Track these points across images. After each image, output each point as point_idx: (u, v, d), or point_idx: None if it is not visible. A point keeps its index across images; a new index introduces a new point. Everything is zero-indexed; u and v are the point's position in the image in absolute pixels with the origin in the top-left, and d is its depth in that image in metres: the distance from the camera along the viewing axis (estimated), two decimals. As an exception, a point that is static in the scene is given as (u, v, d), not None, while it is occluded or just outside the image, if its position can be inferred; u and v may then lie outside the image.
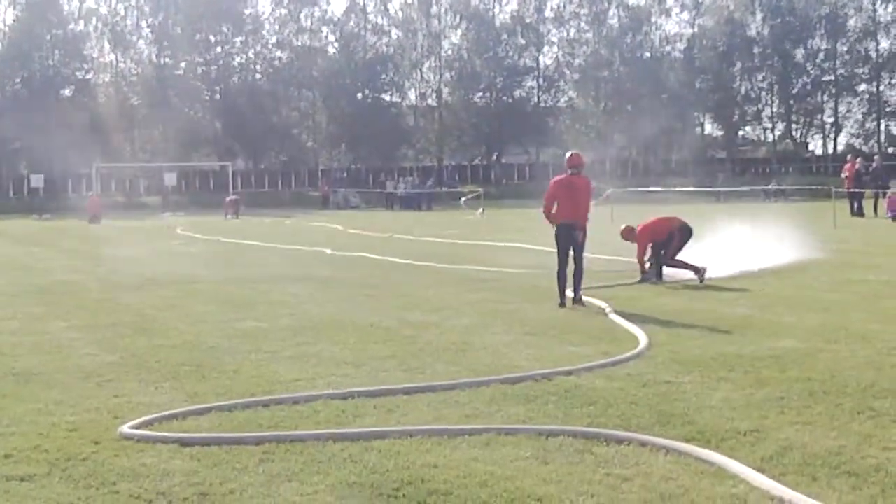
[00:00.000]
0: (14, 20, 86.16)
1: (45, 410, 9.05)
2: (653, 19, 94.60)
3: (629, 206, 39.37)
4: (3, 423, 8.58)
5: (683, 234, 19.38)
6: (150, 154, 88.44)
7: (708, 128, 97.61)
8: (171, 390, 9.92)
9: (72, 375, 10.76)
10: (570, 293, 16.09)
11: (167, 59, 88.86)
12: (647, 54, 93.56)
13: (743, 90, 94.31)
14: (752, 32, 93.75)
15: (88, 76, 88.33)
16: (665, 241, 19.31)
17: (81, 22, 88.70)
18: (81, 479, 6.98)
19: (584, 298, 16.12)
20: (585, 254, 16.72)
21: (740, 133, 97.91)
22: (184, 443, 7.76)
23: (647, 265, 19.37)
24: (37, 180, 77.27)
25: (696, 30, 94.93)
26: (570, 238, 16.30)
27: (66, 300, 17.98)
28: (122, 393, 9.79)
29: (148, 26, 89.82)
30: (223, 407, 9.02)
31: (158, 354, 11.94)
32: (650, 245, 19.43)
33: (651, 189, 52.85)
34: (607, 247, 23.21)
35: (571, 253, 16.36)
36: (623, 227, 20.10)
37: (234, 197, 62.05)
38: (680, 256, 19.29)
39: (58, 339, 13.33)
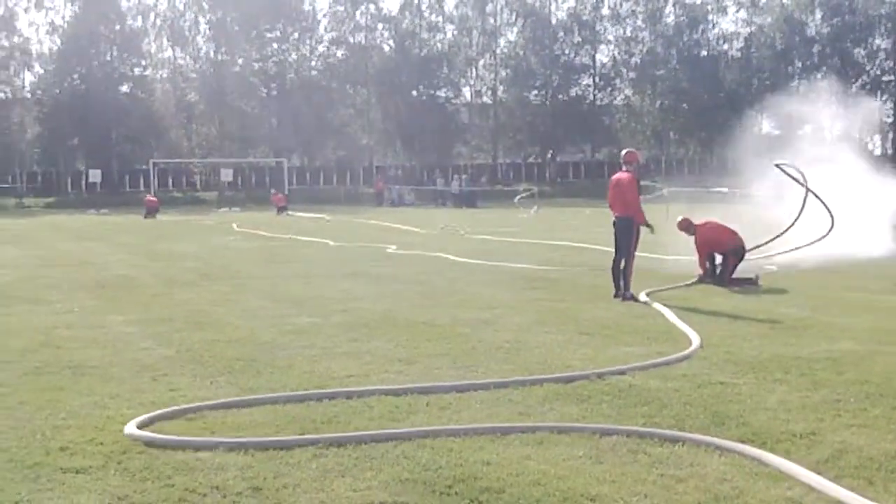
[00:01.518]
0: (72, 17, 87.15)
1: (101, 404, 9.13)
2: (709, 17, 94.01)
3: (686, 206, 39.12)
4: (60, 415, 8.67)
5: (737, 256, 19.10)
6: (207, 150, 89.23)
7: (766, 127, 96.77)
8: (226, 385, 9.97)
9: (127, 369, 10.86)
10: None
11: (224, 56, 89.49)
12: (704, 52, 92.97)
13: (801, 89, 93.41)
14: (811, 31, 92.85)
15: (146, 72, 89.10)
16: (723, 256, 19.11)
17: (139, 18, 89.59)
18: (137, 472, 7.03)
19: (642, 298, 16.15)
20: (644, 254, 16.76)
21: (798, 133, 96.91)
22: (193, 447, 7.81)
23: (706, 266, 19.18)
24: (94, 175, 78.16)
25: (753, 28, 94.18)
26: (617, 233, 17.04)
27: (123, 294, 18.15)
28: (177, 387, 9.86)
29: (206, 23, 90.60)
30: (275, 399, 9.10)
31: (213, 349, 12.02)
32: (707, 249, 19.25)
33: (710, 189, 52.45)
34: (663, 247, 23.06)
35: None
36: (680, 218, 19.97)
37: (278, 194, 62.37)
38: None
39: (114, 333, 13.44)
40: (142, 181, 78.21)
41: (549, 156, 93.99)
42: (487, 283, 19.14)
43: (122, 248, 30.82)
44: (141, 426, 8.12)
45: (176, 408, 8.88)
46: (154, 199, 60.94)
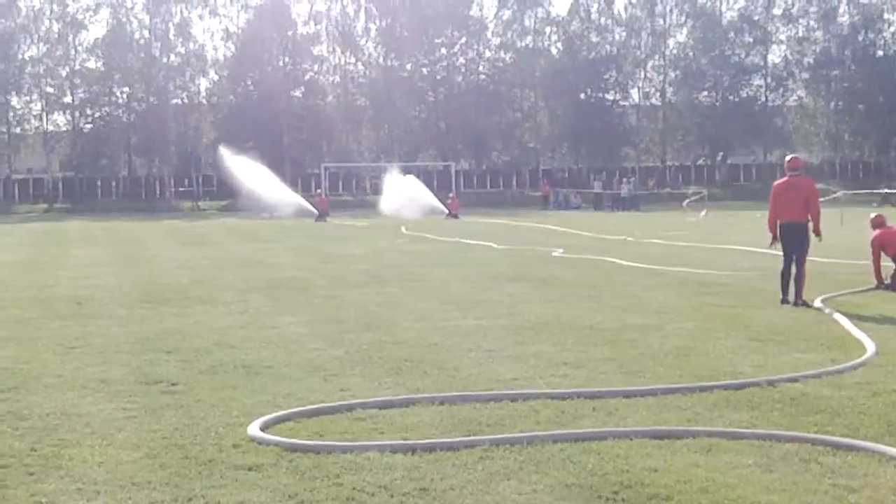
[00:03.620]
0: (246, 24, 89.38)
1: (274, 403, 9.34)
2: (885, 16, 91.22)
3: (862, 209, 38.02)
4: (233, 413, 8.90)
5: None
6: (376, 154, 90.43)
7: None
8: (394, 385, 10.10)
9: (299, 369, 11.10)
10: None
11: (393, 61, 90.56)
12: (880, 52, 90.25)
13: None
14: None
15: (318, 78, 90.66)
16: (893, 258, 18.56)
17: (311, 23, 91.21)
18: (307, 470, 7.16)
19: (817, 304, 15.80)
20: (817, 258, 16.37)
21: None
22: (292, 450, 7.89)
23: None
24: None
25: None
26: (790, 239, 16.55)
27: (294, 296, 18.55)
28: (347, 387, 10.03)
29: (376, 29, 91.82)
30: (441, 399, 9.21)
31: (382, 350, 12.19)
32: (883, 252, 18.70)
33: (888, 192, 50.99)
34: (839, 251, 22.50)
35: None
36: (874, 215, 19.51)
37: (452, 195, 62.86)
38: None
39: (286, 334, 13.76)
40: (313, 184, 79.58)
41: (719, 158, 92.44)
42: (655, 288, 18.96)
43: (294, 251, 31.43)
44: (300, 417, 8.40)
45: (343, 403, 9.08)
46: (324, 195, 62.18)
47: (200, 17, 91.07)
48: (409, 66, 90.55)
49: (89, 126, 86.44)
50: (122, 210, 73.71)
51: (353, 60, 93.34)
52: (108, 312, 16.39)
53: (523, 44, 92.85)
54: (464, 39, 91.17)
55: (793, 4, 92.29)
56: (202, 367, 11.27)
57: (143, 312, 16.28)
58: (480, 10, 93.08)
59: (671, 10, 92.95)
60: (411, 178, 65.27)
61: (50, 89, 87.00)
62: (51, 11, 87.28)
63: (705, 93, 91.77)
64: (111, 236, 43.02)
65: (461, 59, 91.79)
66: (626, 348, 12.14)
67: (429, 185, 76.53)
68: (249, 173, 59.34)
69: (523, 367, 11.02)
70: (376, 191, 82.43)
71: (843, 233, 19.63)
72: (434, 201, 61.45)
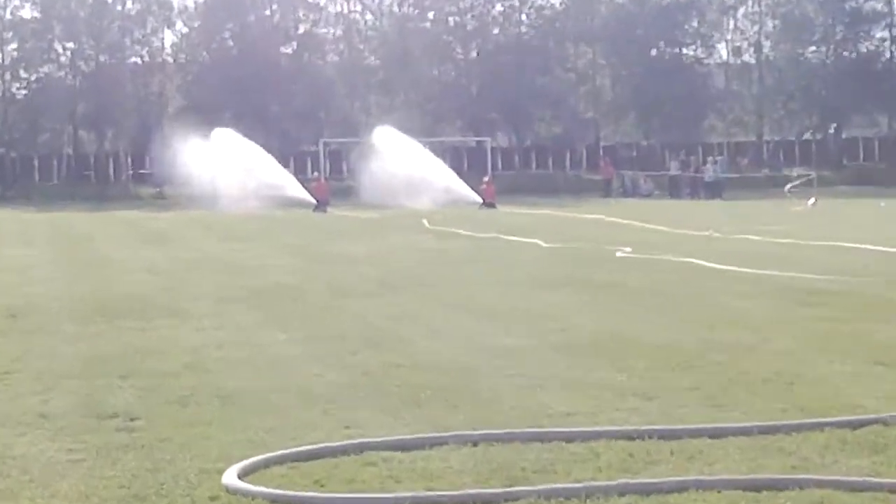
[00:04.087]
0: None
1: (259, 441, 9.36)
2: None
3: None
4: (211, 456, 8.91)
5: None
6: (388, 126, 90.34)
7: None
8: (413, 421, 10.10)
9: (291, 399, 11.12)
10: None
11: (411, 9, 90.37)
12: None
13: None
14: None
15: (315, 30, 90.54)
16: None
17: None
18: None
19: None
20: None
21: None
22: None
23: None
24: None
25: None
26: None
27: (284, 307, 18.60)
28: (353, 423, 10.03)
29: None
30: (474, 438, 9.21)
31: (397, 375, 12.21)
32: None
33: None
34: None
35: None
36: None
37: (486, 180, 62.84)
38: None
39: (274, 354, 13.80)
40: (309, 165, 79.45)
41: (831, 131, 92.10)
42: (748, 296, 18.92)
43: (285, 250, 31.48)
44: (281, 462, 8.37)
45: (348, 443, 9.08)
46: (323, 180, 62.14)
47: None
48: (430, 16, 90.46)
49: (23, 92, 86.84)
50: (66, 198, 73.78)
51: (358, 8, 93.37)
52: (51, 327, 16.48)
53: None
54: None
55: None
56: (168, 396, 11.29)
57: (95, 328, 16.35)
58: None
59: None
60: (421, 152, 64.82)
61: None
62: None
63: (813, 48, 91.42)
64: (53, 231, 43.26)
65: (498, 7, 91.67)
66: (711, 374, 12.12)
67: (457, 166, 76.51)
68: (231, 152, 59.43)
69: (579, 397, 11.00)
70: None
71: None
72: (462, 187, 61.44)
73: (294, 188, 61.04)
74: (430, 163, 63.57)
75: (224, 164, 59.62)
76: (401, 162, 61.06)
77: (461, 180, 63.03)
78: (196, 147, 60.85)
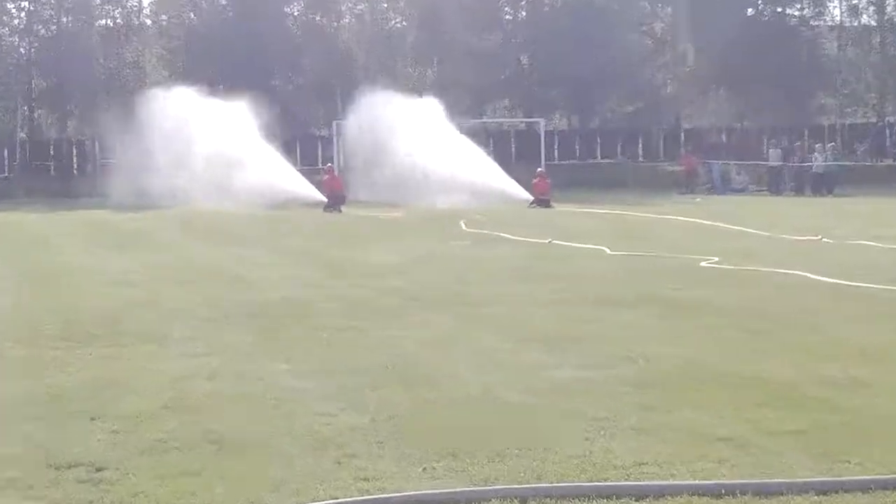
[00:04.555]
0: None
1: (257, 500, 9.39)
2: None
3: None
4: (198, 514, 8.95)
5: None
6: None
7: None
8: (446, 473, 10.12)
9: (297, 445, 11.14)
10: None
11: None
12: None
13: None
14: None
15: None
16: None
17: None
18: None
19: None
20: None
21: None
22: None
23: None
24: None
25: None
26: None
27: (289, 329, 18.62)
28: (372, 475, 10.06)
29: None
30: (524, 493, 9.20)
31: (427, 416, 12.23)
32: None
33: None
34: None
35: None
36: None
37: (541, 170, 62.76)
38: None
39: (276, 388, 13.81)
40: (319, 153, 79.46)
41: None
42: (866, 319, 18.87)
43: (290, 258, 31.55)
44: None
45: (367, 498, 9.08)
46: (336, 173, 62.02)
47: None
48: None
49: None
50: (18, 194, 74.05)
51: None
52: (-1, 354, 16.57)
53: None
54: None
55: None
56: (144, 441, 11.32)
57: (55, 354, 16.38)
58: None
59: None
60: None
61: None
62: None
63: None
64: (4, 233, 43.36)
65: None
66: (817, 415, 12.08)
67: (503, 154, 76.34)
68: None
69: (653, 443, 11.00)
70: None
71: None
72: (508, 181, 61.29)
73: (294, 182, 60.68)
74: (469, 151, 63.44)
75: (204, 152, 59.34)
76: (433, 150, 60.95)
77: (506, 173, 62.85)
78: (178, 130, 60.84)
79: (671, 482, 9.59)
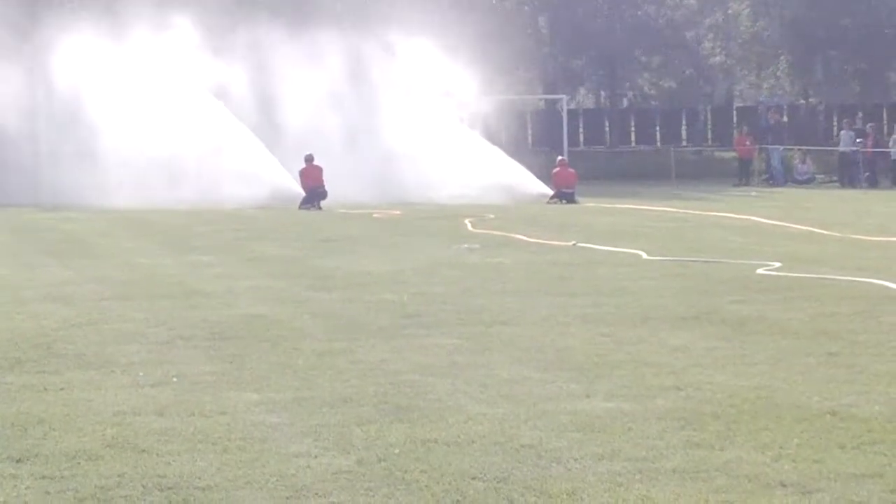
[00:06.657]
0: None
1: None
2: None
3: None
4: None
5: None
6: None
7: None
8: (452, 531, 10.12)
9: (267, 494, 11.14)
10: None
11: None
12: None
13: None
14: None
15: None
16: None
17: None
18: None
19: None
20: None
21: None
22: None
23: None
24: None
25: None
26: None
27: (260, 352, 18.60)
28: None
29: None
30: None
31: (430, 459, 12.20)
32: None
33: None
34: None
35: None
36: None
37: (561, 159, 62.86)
38: None
39: (243, 425, 13.80)
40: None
41: None
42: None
43: (261, 266, 31.53)
44: None
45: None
46: (315, 163, 62.10)
47: None
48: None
49: None
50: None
51: None
52: None
53: None
54: None
55: None
56: (83, 489, 11.31)
57: (-28, 385, 16.40)
58: None
59: None
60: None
61: None
62: None
63: None
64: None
65: None
66: (901, 457, 12.08)
67: (518, 138, 76.47)
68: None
69: (701, 489, 11.01)
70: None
71: None
72: (522, 171, 61.33)
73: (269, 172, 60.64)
74: (473, 135, 63.49)
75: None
76: (429, 134, 60.99)
77: (520, 162, 62.87)
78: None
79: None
